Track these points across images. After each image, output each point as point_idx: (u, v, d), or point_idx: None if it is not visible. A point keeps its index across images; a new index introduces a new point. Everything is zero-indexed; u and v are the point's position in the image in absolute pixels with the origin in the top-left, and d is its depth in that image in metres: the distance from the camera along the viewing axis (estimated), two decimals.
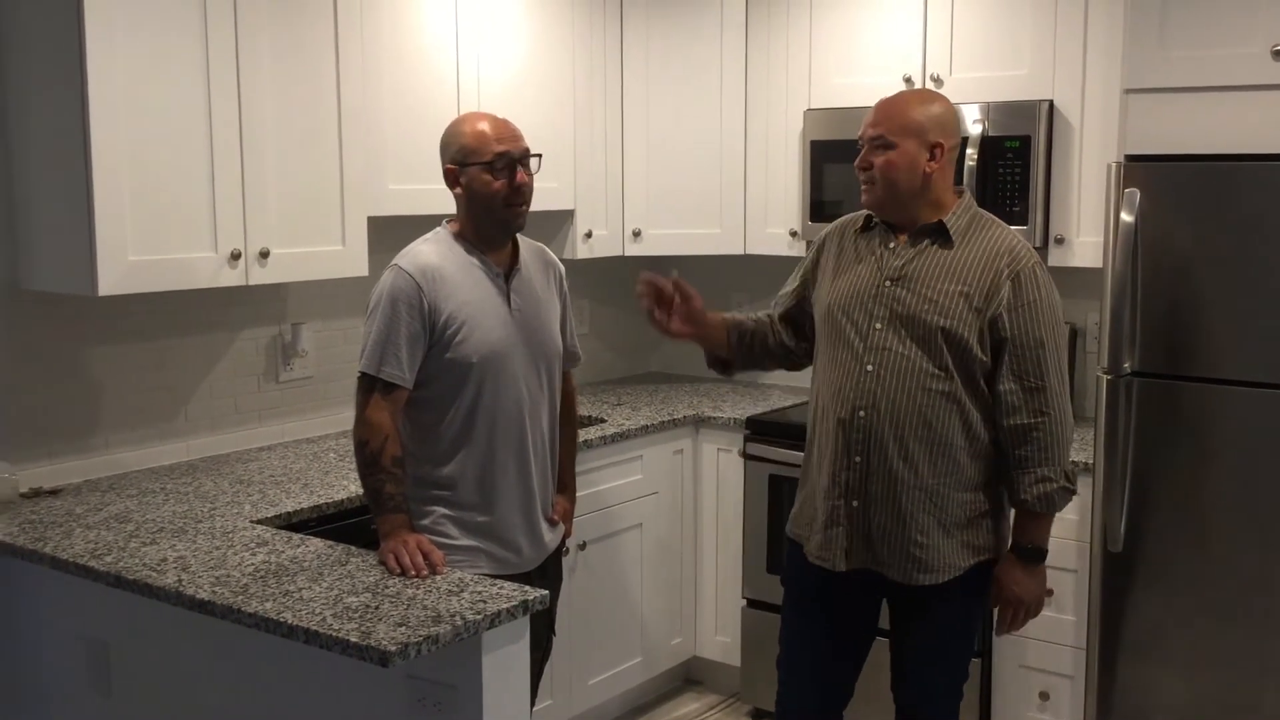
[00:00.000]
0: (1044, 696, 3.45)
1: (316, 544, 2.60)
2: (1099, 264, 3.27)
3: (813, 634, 2.78)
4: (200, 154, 2.94)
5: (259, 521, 2.79)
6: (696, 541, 4.12)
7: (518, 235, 2.73)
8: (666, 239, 4.28)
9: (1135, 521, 3.18)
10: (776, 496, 3.85)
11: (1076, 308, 3.72)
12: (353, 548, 2.57)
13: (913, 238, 2.64)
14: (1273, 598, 3.03)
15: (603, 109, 4.14)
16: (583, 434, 3.54)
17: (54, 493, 3.00)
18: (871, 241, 2.69)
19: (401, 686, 2.27)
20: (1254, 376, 3.01)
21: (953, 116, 2.65)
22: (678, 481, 4.06)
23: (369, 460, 2.54)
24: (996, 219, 2.67)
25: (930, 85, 3.74)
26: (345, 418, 3.17)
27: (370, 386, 2.55)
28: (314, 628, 2.12)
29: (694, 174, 4.24)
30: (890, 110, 2.62)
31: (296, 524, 2.85)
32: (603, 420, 3.93)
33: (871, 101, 2.69)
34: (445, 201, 2.72)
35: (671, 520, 4.04)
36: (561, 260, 2.91)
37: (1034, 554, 2.64)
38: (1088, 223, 3.58)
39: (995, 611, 2.71)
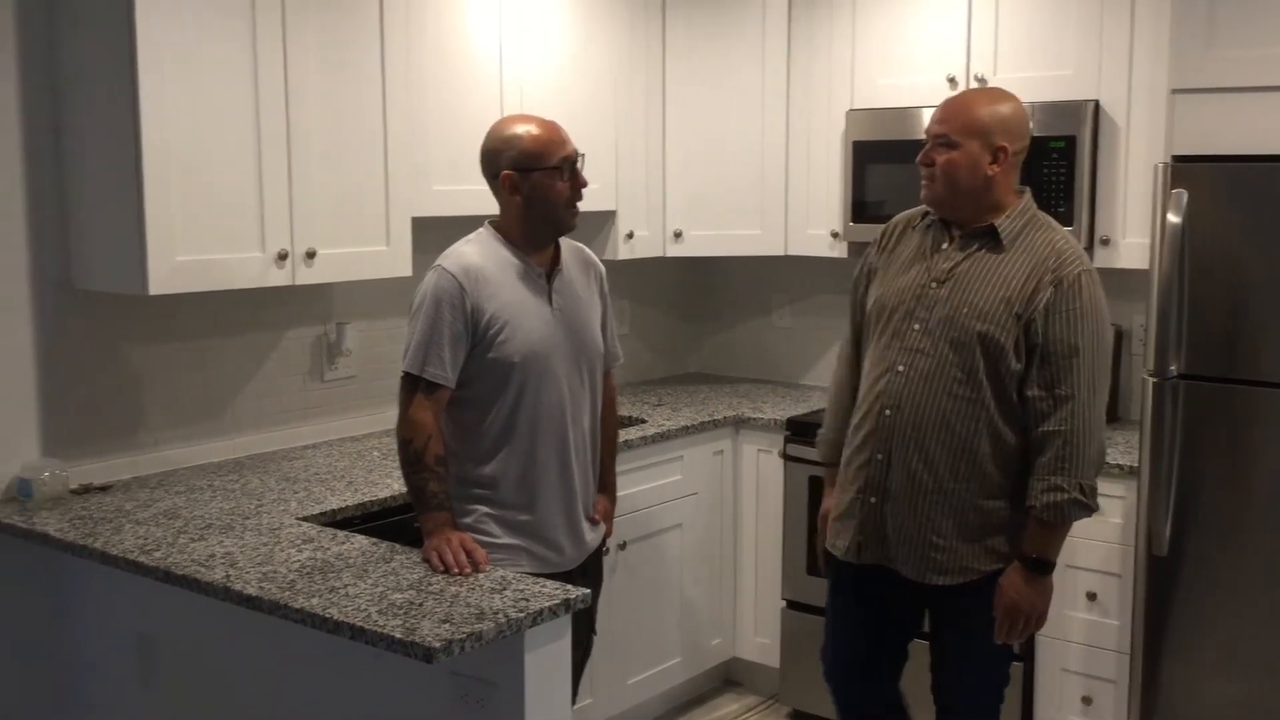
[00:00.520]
0: (1086, 701, 3.42)
1: (361, 541, 2.63)
2: (1145, 265, 3.24)
3: (844, 623, 2.81)
4: (248, 156, 2.98)
5: (304, 518, 2.82)
6: (736, 542, 4.12)
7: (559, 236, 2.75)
8: (707, 240, 4.29)
9: (1180, 525, 3.14)
10: (816, 498, 3.82)
11: (1122, 310, 3.68)
12: (397, 545, 2.60)
13: (963, 240, 2.62)
14: None
15: (644, 110, 4.15)
16: (623, 434, 3.55)
17: (104, 489, 3.04)
18: (925, 241, 2.67)
19: (445, 683, 2.29)
20: None
21: (1021, 119, 2.61)
22: (718, 482, 4.06)
23: (412, 459, 2.56)
24: (1053, 222, 2.63)
25: (974, 85, 3.71)
26: (389, 416, 3.20)
27: (413, 386, 2.57)
28: (359, 623, 2.14)
29: (735, 175, 4.24)
30: (957, 109, 2.59)
31: (341, 521, 2.88)
32: (643, 421, 3.93)
33: (914, 102, 2.67)
34: (488, 202, 2.74)
35: (711, 521, 4.05)
36: (602, 261, 2.92)
37: (1037, 565, 2.56)
38: (1134, 224, 3.55)
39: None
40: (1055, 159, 3.59)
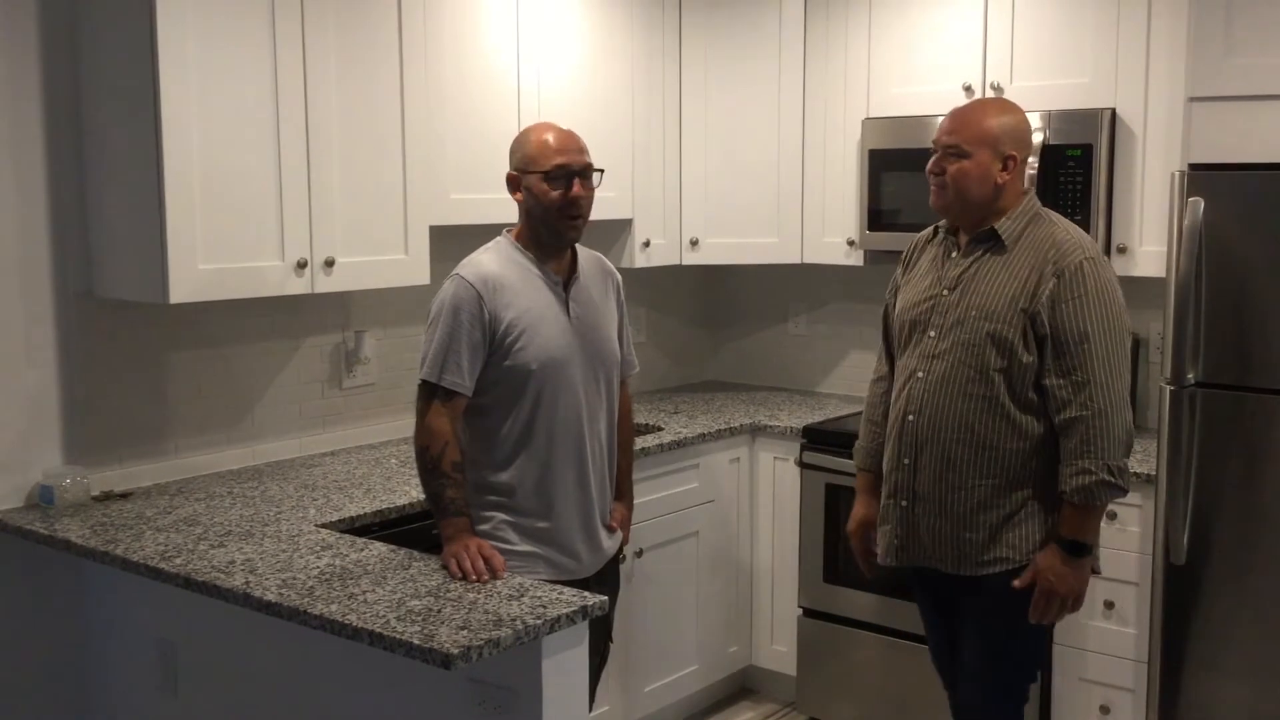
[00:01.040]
0: (1104, 710, 3.41)
1: (379, 548, 2.64)
2: (1161, 274, 3.24)
3: (924, 615, 2.94)
4: (268, 165, 3.01)
5: (323, 525, 2.83)
6: (753, 550, 4.13)
7: (576, 244, 2.76)
8: (724, 248, 4.29)
9: (1198, 534, 3.14)
10: (833, 506, 3.84)
11: (1139, 318, 3.67)
12: (415, 552, 2.61)
13: (969, 246, 2.70)
14: None
15: (661, 118, 4.16)
16: (640, 442, 3.56)
17: (125, 496, 3.07)
18: (938, 253, 2.76)
19: (463, 689, 2.30)
20: None
21: (1028, 127, 2.70)
22: (734, 490, 4.06)
23: (430, 466, 2.58)
24: (1056, 217, 2.69)
25: (990, 94, 3.72)
26: (406, 424, 3.21)
27: (431, 394, 2.59)
28: (378, 630, 2.16)
29: (752, 183, 4.25)
30: (966, 119, 2.66)
31: (359, 528, 2.90)
32: (660, 428, 3.94)
33: (930, 111, 2.71)
34: (506, 211, 2.76)
35: (728, 529, 4.05)
36: (619, 269, 2.94)
37: (1073, 547, 2.62)
38: (1150, 232, 3.55)
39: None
40: (1071, 167, 3.59)
